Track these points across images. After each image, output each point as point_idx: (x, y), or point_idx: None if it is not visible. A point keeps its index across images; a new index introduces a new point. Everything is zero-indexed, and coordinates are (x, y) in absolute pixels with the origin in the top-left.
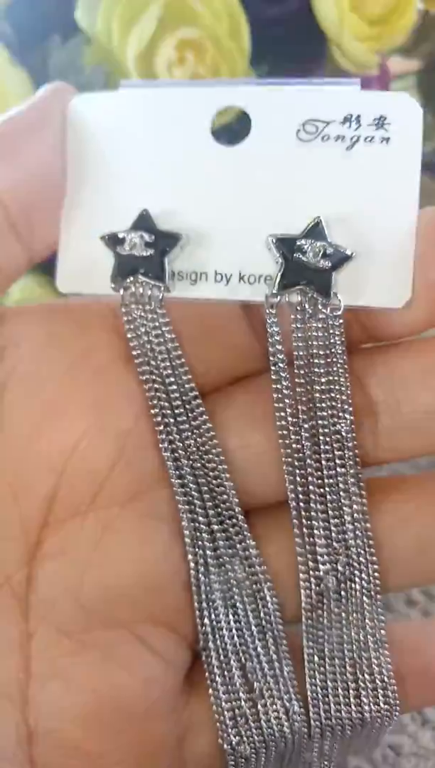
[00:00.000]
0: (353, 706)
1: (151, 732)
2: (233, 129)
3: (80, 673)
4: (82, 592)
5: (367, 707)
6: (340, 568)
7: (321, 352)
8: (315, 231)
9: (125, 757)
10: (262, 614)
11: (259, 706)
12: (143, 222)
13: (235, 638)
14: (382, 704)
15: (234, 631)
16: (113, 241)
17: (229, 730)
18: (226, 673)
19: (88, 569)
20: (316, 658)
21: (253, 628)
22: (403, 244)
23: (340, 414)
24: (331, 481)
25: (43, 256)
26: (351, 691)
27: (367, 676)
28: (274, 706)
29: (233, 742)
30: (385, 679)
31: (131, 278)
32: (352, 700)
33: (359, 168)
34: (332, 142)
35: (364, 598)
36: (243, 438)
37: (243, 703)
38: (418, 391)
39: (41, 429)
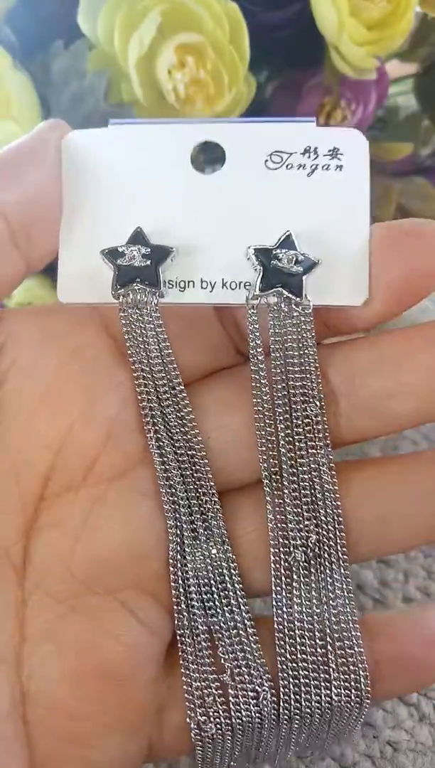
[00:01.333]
0: (323, 689)
1: (133, 697)
2: (213, 159)
3: (70, 636)
4: (73, 560)
5: (335, 690)
6: (309, 544)
7: (294, 345)
8: (287, 242)
9: (108, 719)
10: (230, 593)
11: (229, 688)
12: (138, 238)
13: (207, 617)
14: (352, 685)
15: (206, 610)
16: (113, 254)
17: (197, 710)
18: (197, 652)
19: (79, 540)
20: (285, 632)
21: (224, 607)
22: (359, 253)
23: (311, 399)
24: (302, 460)
25: (38, 267)
26: (321, 673)
27: (338, 653)
28: (244, 689)
29: (200, 722)
30: (356, 657)
31: (130, 286)
32: (321, 681)
33: (318, 191)
34: (295, 170)
35: (334, 574)
36: (219, 420)
37: (212, 683)
38: (371, 378)
39: (39, 414)
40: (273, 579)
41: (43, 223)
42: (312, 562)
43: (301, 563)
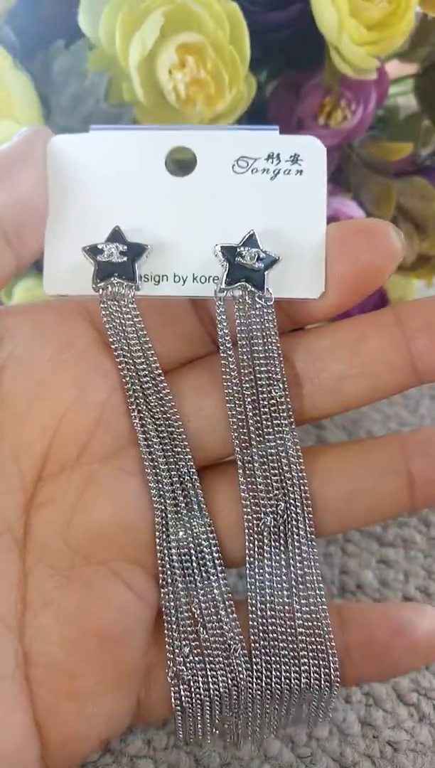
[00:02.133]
0: (292, 665)
1: (124, 657)
2: (185, 163)
3: (67, 603)
4: (69, 534)
5: (304, 667)
6: (279, 511)
7: (258, 334)
8: (250, 241)
9: (102, 678)
10: (208, 563)
11: (206, 657)
12: (116, 236)
13: (188, 586)
14: (320, 663)
15: (186, 579)
16: (94, 251)
17: (177, 671)
18: (179, 620)
19: (74, 515)
20: (257, 601)
21: (203, 576)
22: (315, 250)
23: (274, 383)
24: (269, 437)
25: (28, 263)
26: (290, 646)
27: (306, 624)
28: (219, 658)
29: (180, 683)
30: (323, 626)
31: (108, 280)
32: (290, 653)
33: (280, 193)
34: (260, 174)
35: (301, 539)
36: (195, 404)
37: (193, 650)
38: (330, 362)
39: (35, 401)
40: (247, 544)
41: (32, 223)
42: (281, 528)
43: (271, 528)
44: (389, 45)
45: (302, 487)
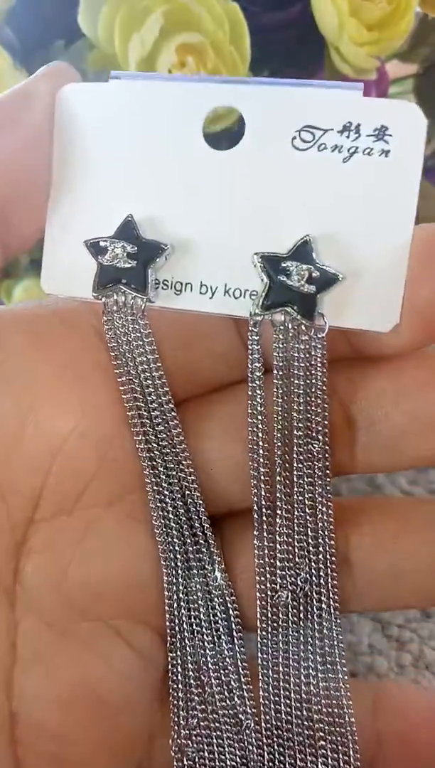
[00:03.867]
0: (308, 746)
1: (124, 725)
2: (229, 132)
3: (61, 661)
4: (65, 586)
5: (323, 759)
6: (299, 582)
7: (301, 373)
8: (302, 251)
9: (98, 745)
10: (221, 629)
11: (213, 729)
12: (127, 229)
13: (197, 655)
14: (341, 757)
15: (196, 642)
16: (96, 249)
17: (181, 736)
18: (186, 688)
19: (72, 565)
20: (270, 676)
21: (216, 645)
22: (394, 265)
23: (315, 435)
24: (299, 497)
25: (20, 251)
26: (306, 737)
27: (326, 718)
28: (228, 730)
29: (182, 746)
30: (346, 721)
31: (113, 287)
32: (306, 747)
33: (355, 182)
34: (328, 153)
35: (323, 620)
36: (223, 450)
37: (199, 713)
38: (392, 413)
39: (26, 431)
40: (258, 615)
41: (21, 199)
42: (301, 601)
43: (288, 602)
44: (389, 45)
45: (330, 557)
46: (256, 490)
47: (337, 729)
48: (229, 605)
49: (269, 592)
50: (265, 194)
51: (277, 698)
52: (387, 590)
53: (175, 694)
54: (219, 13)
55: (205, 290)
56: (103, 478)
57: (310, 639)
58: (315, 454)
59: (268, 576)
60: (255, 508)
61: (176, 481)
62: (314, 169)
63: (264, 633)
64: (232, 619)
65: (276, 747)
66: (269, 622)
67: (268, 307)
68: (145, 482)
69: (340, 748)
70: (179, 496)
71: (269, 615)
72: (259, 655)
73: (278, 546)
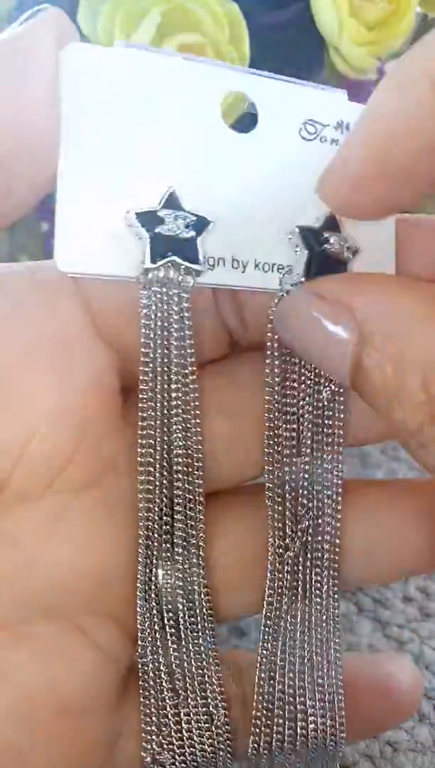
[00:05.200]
0: (298, 728)
1: (85, 730)
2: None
3: (15, 667)
4: (25, 582)
5: (311, 732)
6: (299, 533)
7: None
8: (331, 224)
9: (56, 755)
10: (197, 620)
11: (183, 723)
12: (173, 202)
13: (170, 646)
14: (328, 729)
15: (169, 638)
16: (148, 219)
17: (153, 743)
18: (157, 683)
19: (34, 559)
20: (267, 660)
21: (189, 636)
22: (385, 246)
23: (321, 408)
24: (310, 460)
25: (17, 216)
26: (298, 705)
27: (317, 695)
28: (199, 724)
29: (154, 753)
30: (335, 696)
31: (164, 261)
32: (297, 721)
33: None
34: (328, 145)
35: (323, 592)
36: (211, 426)
37: (170, 716)
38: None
39: None
40: (268, 580)
41: (23, 159)
42: (300, 582)
43: (294, 552)
44: (389, 45)
45: (334, 537)
46: (269, 457)
47: (326, 704)
48: (202, 596)
49: (280, 550)
50: (282, 176)
51: (271, 688)
52: (364, 565)
53: (146, 692)
54: (218, 14)
55: (237, 265)
56: (78, 463)
57: (308, 618)
58: (336, 422)
59: (278, 534)
60: (268, 483)
61: (182, 459)
62: (319, 157)
63: (269, 611)
64: (205, 611)
65: (262, 742)
66: (275, 594)
67: (314, 275)
68: (137, 460)
69: (328, 721)
70: (166, 474)
71: (276, 587)
72: (262, 636)
73: (287, 505)
